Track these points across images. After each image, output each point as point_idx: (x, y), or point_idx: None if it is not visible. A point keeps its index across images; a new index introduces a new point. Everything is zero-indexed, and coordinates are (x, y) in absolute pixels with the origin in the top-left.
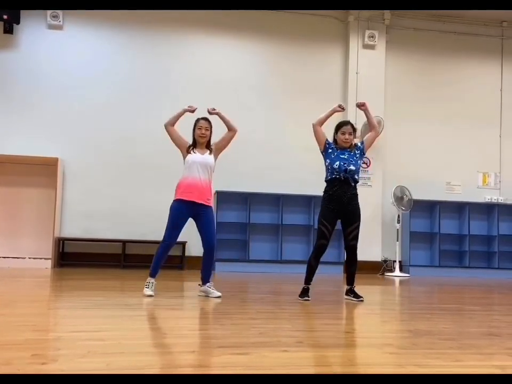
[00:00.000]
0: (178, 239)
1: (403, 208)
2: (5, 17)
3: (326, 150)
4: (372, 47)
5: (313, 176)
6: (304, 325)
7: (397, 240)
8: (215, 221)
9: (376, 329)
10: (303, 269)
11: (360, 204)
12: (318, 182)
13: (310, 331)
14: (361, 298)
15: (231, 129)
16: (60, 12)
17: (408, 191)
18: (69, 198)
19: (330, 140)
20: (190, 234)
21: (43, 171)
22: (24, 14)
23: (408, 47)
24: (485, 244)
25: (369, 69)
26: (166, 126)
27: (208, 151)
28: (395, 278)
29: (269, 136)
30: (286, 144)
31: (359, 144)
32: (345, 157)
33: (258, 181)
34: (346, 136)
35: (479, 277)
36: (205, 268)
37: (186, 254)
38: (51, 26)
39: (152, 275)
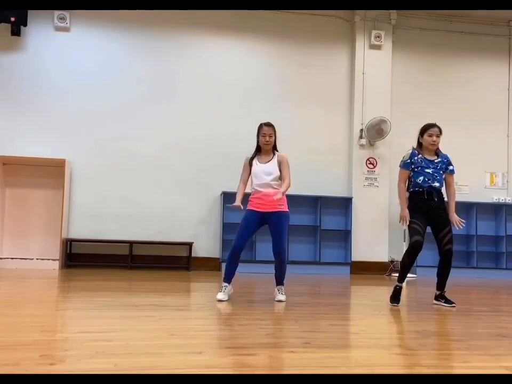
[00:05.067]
0: (186, 240)
1: None
2: (12, 19)
3: (412, 169)
4: (378, 47)
5: (320, 177)
6: (311, 326)
7: (404, 241)
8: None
9: (383, 330)
10: (309, 269)
11: (366, 204)
12: (324, 182)
13: (317, 332)
14: (454, 304)
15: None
16: (67, 14)
17: None
18: (76, 199)
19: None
20: (197, 236)
21: (51, 172)
22: (31, 16)
23: (415, 47)
24: (492, 244)
25: (375, 69)
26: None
27: (272, 157)
28: None
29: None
30: (292, 145)
31: (446, 157)
32: (430, 171)
33: None
34: (434, 138)
35: (486, 278)
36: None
37: (193, 255)
38: (58, 28)
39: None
